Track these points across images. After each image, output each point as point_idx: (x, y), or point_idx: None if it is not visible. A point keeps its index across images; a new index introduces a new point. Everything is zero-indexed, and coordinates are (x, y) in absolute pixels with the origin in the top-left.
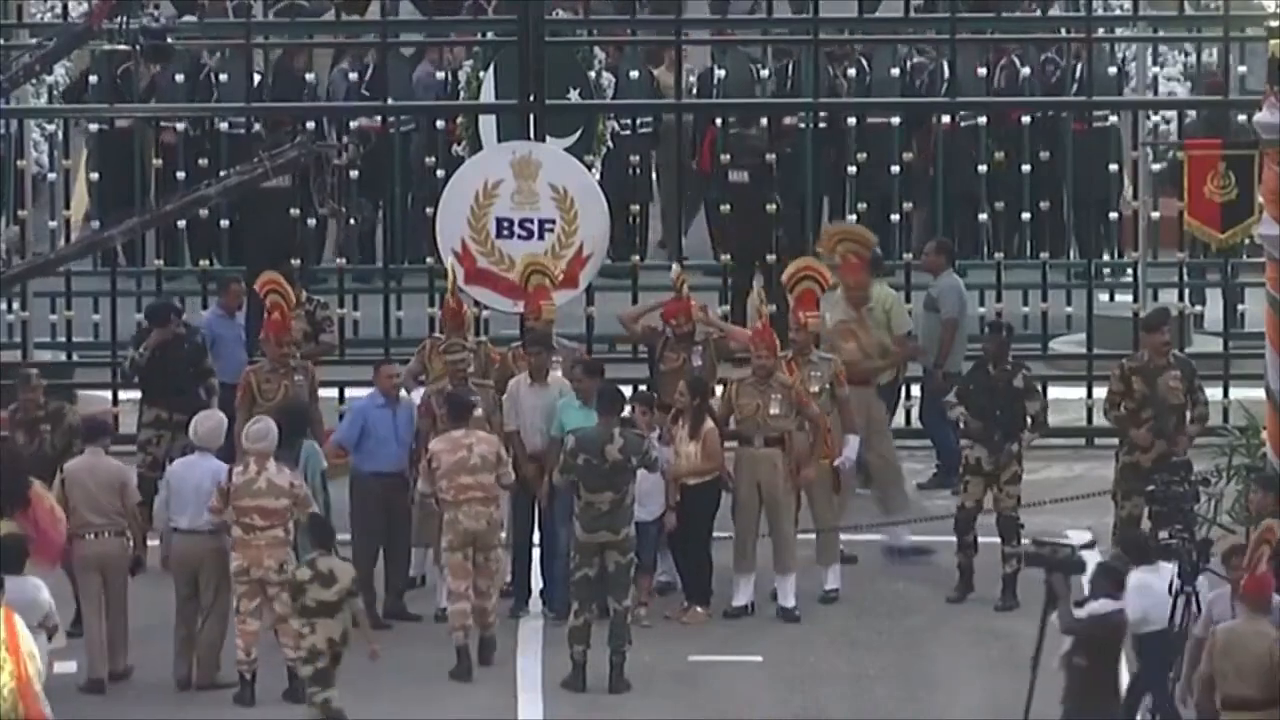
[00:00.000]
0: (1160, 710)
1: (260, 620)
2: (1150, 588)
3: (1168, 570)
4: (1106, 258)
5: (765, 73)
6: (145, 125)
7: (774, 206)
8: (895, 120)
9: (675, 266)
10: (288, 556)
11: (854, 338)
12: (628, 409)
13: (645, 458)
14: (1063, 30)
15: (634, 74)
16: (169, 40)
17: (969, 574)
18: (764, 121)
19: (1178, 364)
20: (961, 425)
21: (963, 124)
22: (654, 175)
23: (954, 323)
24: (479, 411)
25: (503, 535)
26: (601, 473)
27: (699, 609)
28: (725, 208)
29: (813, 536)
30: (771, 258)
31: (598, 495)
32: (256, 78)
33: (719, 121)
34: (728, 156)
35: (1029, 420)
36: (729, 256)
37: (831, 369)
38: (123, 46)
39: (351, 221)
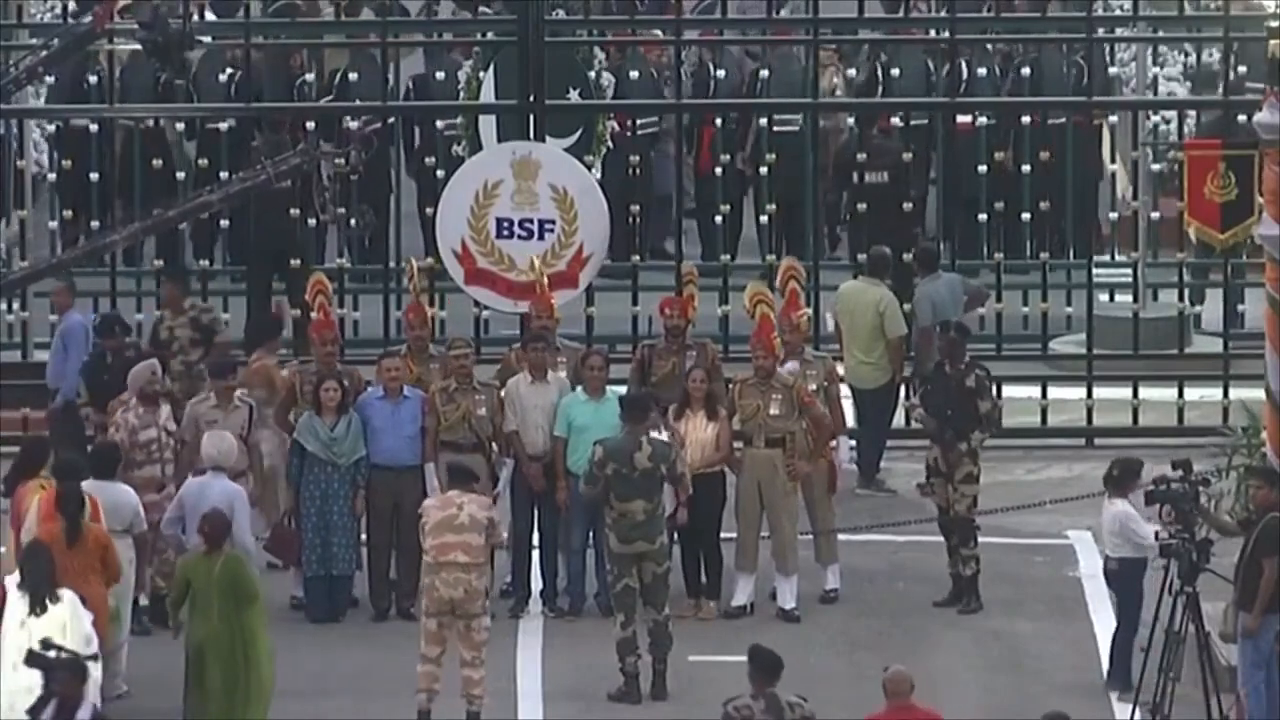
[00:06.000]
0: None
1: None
2: None
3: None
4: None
5: (765, 73)
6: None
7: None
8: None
9: (689, 264)
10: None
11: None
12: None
13: (673, 468)
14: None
15: (634, 74)
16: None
17: (961, 580)
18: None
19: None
20: (920, 425)
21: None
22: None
23: (926, 331)
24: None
25: (485, 604)
26: (632, 481)
27: (711, 604)
28: (861, 207)
29: (812, 537)
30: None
31: (629, 504)
32: (230, 75)
33: (719, 121)
34: (864, 156)
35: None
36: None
37: (825, 367)
38: (128, 46)
39: (353, 223)
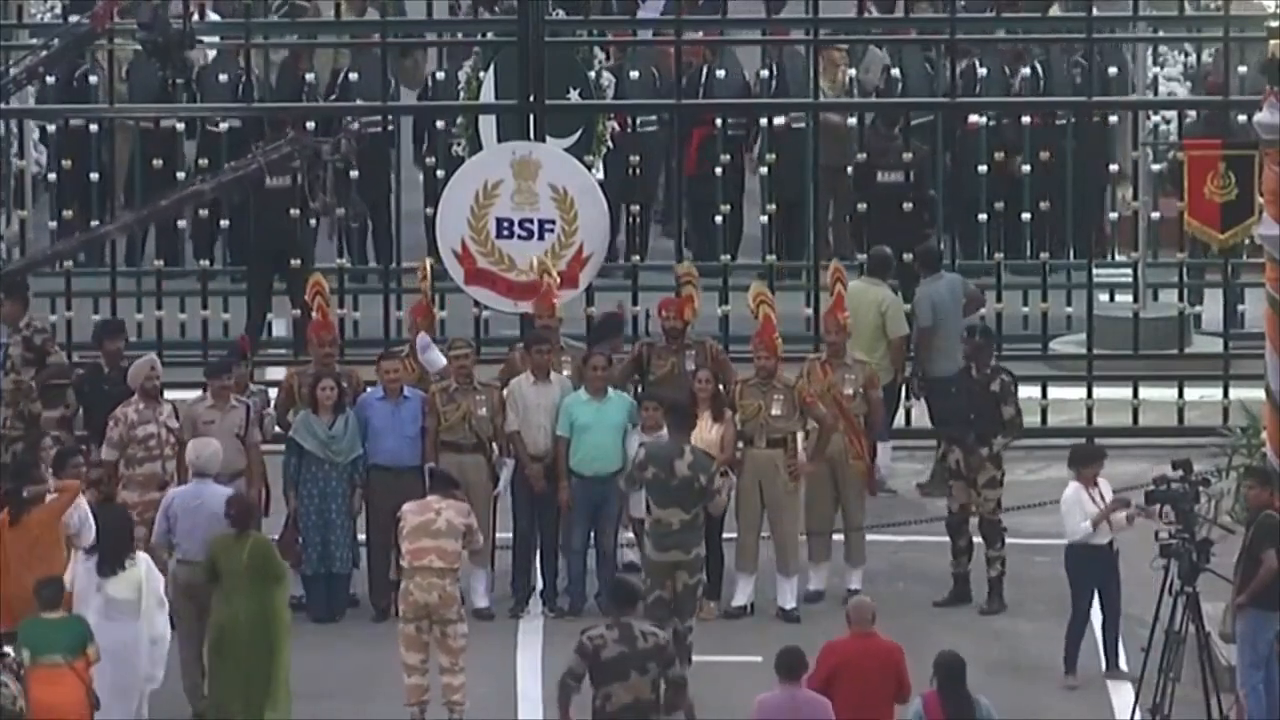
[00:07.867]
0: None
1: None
2: None
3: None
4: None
5: (765, 73)
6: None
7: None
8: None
9: (685, 263)
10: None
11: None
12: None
13: (711, 483)
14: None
15: (634, 74)
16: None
17: (963, 581)
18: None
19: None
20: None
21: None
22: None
23: (925, 331)
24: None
25: (460, 610)
26: (669, 489)
27: (711, 604)
28: (862, 206)
29: (844, 537)
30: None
31: (665, 511)
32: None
33: (719, 122)
34: (864, 156)
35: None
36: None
37: (865, 372)
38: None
39: (341, 212)
